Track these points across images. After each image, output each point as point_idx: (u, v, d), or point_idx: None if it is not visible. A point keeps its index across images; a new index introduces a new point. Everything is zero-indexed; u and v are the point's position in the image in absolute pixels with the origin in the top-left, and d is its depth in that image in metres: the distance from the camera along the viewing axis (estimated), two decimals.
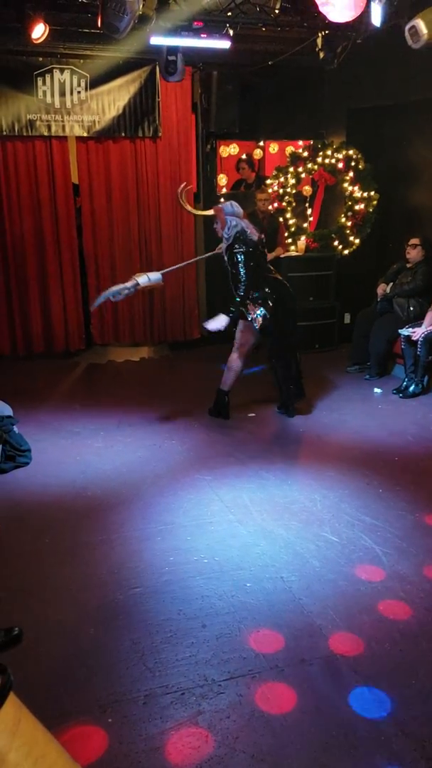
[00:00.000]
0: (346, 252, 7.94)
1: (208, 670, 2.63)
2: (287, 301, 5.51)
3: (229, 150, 8.11)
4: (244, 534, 3.73)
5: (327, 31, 5.97)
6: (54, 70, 6.99)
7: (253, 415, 5.75)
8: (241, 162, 8.29)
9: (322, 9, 4.90)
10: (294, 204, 7.95)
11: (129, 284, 5.31)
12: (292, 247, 7.88)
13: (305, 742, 2.28)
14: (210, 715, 2.40)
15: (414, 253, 6.62)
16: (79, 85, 7.11)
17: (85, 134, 7.30)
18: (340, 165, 7.82)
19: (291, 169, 7.84)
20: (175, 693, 2.50)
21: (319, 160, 7.83)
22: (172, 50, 5.78)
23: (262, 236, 5.52)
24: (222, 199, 7.81)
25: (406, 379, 6.28)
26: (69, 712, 2.41)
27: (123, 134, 7.43)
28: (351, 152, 7.77)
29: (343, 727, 2.34)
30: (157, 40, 5.57)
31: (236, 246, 5.22)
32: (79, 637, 2.86)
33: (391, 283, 6.81)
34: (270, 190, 7.70)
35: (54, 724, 2.30)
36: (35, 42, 5.72)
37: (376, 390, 6.49)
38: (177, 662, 2.68)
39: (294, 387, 5.64)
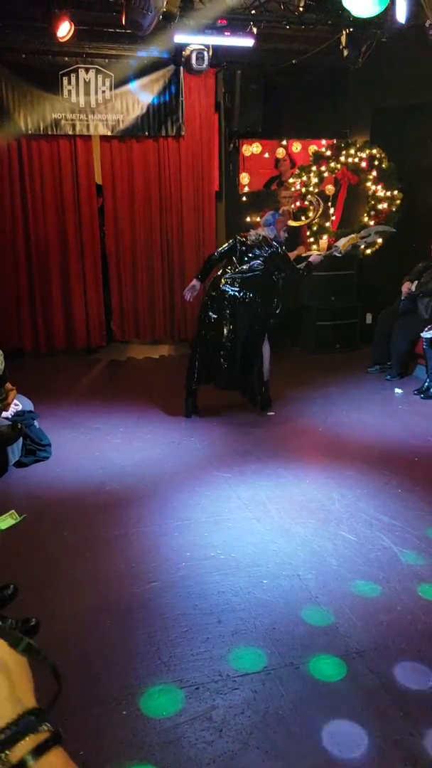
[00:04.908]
0: (368, 252, 7.89)
1: (222, 666, 2.62)
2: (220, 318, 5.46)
3: (252, 149, 8.10)
4: (262, 531, 3.72)
5: (351, 29, 5.93)
6: (79, 70, 7.05)
7: (273, 413, 5.73)
8: (282, 159, 8.22)
9: (346, 4, 4.88)
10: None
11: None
12: (314, 246, 7.84)
13: (320, 739, 2.26)
14: (224, 710, 2.39)
15: None
16: (103, 84, 7.16)
17: (109, 133, 7.35)
18: (364, 164, 7.77)
19: (314, 168, 7.81)
20: (189, 687, 2.50)
21: (342, 159, 7.78)
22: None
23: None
24: (244, 198, 7.81)
25: (428, 380, 6.21)
26: (84, 704, 2.42)
27: (146, 133, 7.47)
28: (374, 151, 7.71)
29: (359, 726, 2.32)
30: (181, 38, 5.59)
31: None
32: (95, 630, 2.87)
33: (416, 282, 6.73)
34: (292, 189, 7.68)
35: (69, 716, 2.31)
36: (61, 40, 5.77)
37: (397, 390, 6.44)
38: (192, 657, 2.68)
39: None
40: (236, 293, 5.41)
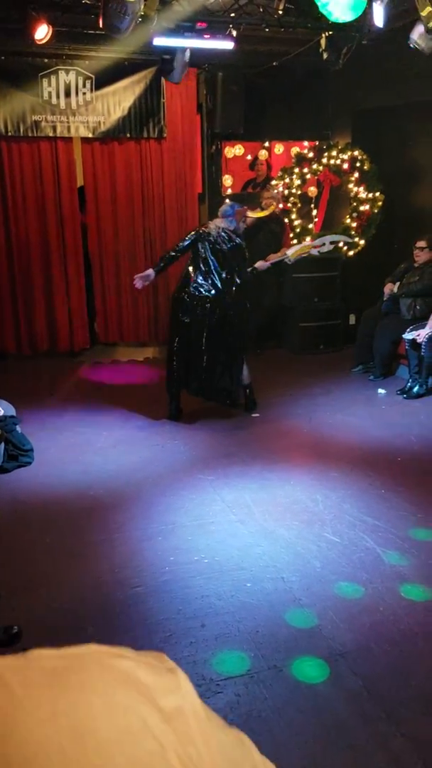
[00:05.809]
0: (351, 253, 7.93)
1: (206, 670, 2.62)
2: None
3: (234, 151, 8.11)
4: (245, 534, 3.73)
5: (330, 32, 5.95)
6: (59, 71, 7.02)
7: (257, 415, 5.74)
8: (259, 160, 8.22)
9: (323, 9, 4.89)
10: (299, 205, 7.94)
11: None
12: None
13: (303, 742, 2.27)
14: None
15: (423, 256, 6.56)
16: (84, 86, 7.13)
17: (90, 135, 7.32)
18: (346, 166, 7.81)
19: (296, 170, 7.83)
20: None
21: (324, 161, 7.82)
22: (172, 51, 5.86)
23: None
24: (227, 200, 7.80)
25: (411, 380, 6.25)
26: None
27: (128, 135, 7.45)
28: (356, 153, 7.76)
29: (342, 727, 2.32)
30: (160, 41, 5.58)
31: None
32: (78, 636, 2.85)
33: (398, 283, 6.76)
34: (275, 191, 7.70)
35: None
36: (39, 43, 5.72)
37: (380, 391, 6.47)
38: (176, 661, 2.62)
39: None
40: (207, 294, 5.30)
